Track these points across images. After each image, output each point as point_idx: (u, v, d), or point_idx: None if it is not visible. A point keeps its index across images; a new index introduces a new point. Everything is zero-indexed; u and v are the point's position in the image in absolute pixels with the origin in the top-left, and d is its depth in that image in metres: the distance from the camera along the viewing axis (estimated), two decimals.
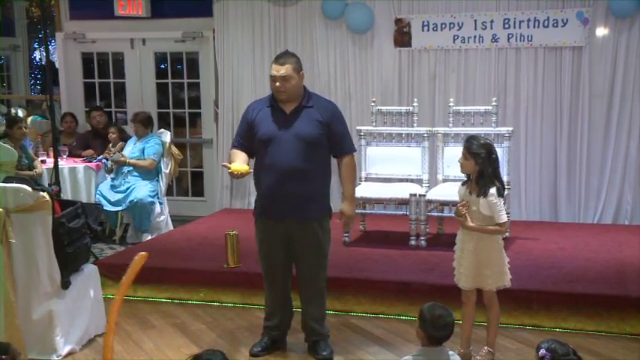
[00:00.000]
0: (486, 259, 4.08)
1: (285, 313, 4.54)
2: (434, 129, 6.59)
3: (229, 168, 4.19)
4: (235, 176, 4.24)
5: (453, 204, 5.36)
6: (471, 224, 4.04)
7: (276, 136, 4.20)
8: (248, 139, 4.33)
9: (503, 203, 4.15)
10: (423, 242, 6.12)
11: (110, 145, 7.85)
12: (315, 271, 4.37)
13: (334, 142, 4.30)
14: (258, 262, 4.51)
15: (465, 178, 4.22)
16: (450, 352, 3.30)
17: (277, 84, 4.17)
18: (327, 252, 4.42)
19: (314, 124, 4.22)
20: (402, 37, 7.51)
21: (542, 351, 2.93)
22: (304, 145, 4.18)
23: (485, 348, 4.24)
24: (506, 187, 5.90)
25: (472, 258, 4.09)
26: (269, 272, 4.45)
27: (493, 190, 4.01)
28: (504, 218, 4.05)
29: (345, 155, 4.35)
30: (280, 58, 4.22)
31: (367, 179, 6.59)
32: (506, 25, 7.17)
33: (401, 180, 6.49)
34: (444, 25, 7.35)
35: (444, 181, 6.40)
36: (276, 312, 4.50)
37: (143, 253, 3.48)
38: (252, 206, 4.52)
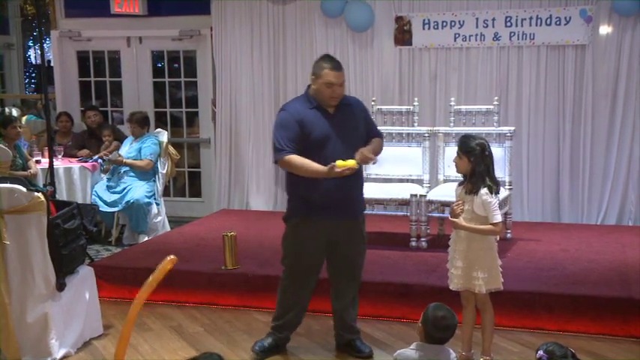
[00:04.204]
0: (477, 260, 4.02)
1: (303, 311, 4.50)
2: (435, 129, 6.55)
3: (338, 167, 4.01)
4: (343, 174, 4.03)
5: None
6: (463, 223, 3.99)
7: (331, 136, 4.20)
8: (301, 143, 4.19)
9: (502, 204, 4.08)
10: (423, 243, 6.07)
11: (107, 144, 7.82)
12: (361, 268, 4.46)
13: (369, 130, 4.40)
14: (282, 264, 4.42)
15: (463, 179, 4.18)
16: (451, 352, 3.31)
17: (337, 91, 4.18)
18: None
19: (357, 120, 4.31)
20: (403, 35, 7.46)
21: (540, 352, 2.93)
22: (356, 142, 4.20)
23: (481, 359, 4.16)
24: (506, 187, 5.93)
25: (463, 259, 4.05)
26: (304, 273, 4.37)
27: (485, 189, 3.95)
28: (499, 218, 3.99)
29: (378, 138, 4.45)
30: (336, 63, 4.20)
31: (367, 180, 6.51)
32: (508, 23, 7.12)
33: (401, 180, 6.44)
34: (445, 24, 7.30)
35: (445, 181, 6.35)
36: (297, 309, 4.44)
37: (172, 256, 3.21)
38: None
